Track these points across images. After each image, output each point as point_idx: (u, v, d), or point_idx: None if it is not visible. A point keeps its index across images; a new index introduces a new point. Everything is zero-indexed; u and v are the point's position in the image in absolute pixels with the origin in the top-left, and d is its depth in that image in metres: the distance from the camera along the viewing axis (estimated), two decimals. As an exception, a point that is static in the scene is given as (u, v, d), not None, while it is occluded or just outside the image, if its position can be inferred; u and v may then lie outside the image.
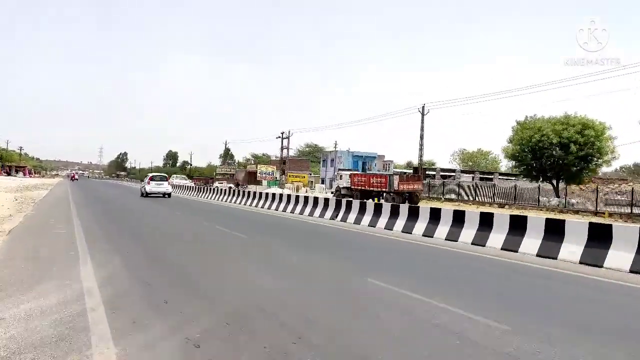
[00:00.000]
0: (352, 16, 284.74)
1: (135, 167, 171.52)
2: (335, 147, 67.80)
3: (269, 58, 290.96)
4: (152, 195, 30.71)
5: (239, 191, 31.04)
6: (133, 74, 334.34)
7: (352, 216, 15.94)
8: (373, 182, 39.94)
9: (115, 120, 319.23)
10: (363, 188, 40.21)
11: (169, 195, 32.01)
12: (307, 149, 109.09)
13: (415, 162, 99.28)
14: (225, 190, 34.50)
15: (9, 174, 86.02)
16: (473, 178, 62.11)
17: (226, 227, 13.44)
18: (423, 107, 44.69)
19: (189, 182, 57.92)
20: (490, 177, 63.93)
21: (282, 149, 72.21)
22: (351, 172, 47.27)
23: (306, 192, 57.35)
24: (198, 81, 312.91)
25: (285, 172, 70.91)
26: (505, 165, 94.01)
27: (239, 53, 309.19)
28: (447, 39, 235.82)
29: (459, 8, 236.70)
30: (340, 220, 16.14)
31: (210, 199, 33.41)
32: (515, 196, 38.96)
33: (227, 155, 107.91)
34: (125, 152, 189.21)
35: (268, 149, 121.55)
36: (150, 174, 36.75)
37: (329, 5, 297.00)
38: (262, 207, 23.54)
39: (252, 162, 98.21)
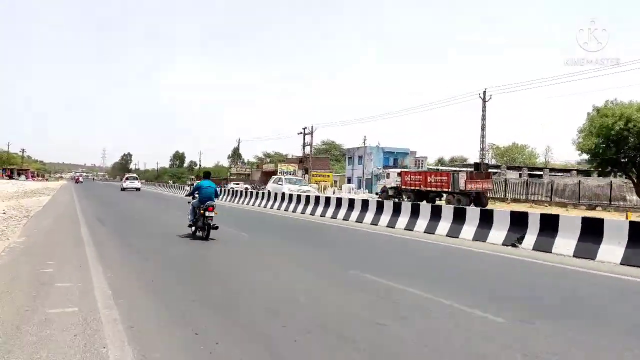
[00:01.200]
0: (349, 16, 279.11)
1: (139, 169, 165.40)
2: (364, 142, 61.56)
3: (278, 53, 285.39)
4: (128, 189, 41.45)
5: (282, 195, 24.98)
6: (137, 74, 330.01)
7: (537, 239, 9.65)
8: (431, 181, 33.89)
9: (119, 121, 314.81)
10: (418, 188, 34.19)
11: (139, 189, 42.60)
12: (323, 146, 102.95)
13: (447, 157, 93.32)
14: (253, 192, 28.86)
15: (10, 177, 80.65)
16: (520, 175, 55.91)
17: (378, 276, 7.03)
18: (484, 92, 38.39)
19: (309, 188, 33.48)
20: (539, 173, 57.49)
21: (304, 145, 65.97)
22: (402, 169, 41.10)
23: (333, 192, 51.28)
24: (203, 81, 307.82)
25: (309, 171, 64.72)
26: (540, 160, 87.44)
27: (245, 50, 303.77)
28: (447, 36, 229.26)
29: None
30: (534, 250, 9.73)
31: (244, 204, 27.31)
32: (610, 197, 32.68)
33: (235, 154, 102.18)
34: (129, 153, 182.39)
35: (280, 148, 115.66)
36: (126, 174, 55.54)
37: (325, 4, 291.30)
38: (326, 216, 17.50)
39: (268, 160, 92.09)
